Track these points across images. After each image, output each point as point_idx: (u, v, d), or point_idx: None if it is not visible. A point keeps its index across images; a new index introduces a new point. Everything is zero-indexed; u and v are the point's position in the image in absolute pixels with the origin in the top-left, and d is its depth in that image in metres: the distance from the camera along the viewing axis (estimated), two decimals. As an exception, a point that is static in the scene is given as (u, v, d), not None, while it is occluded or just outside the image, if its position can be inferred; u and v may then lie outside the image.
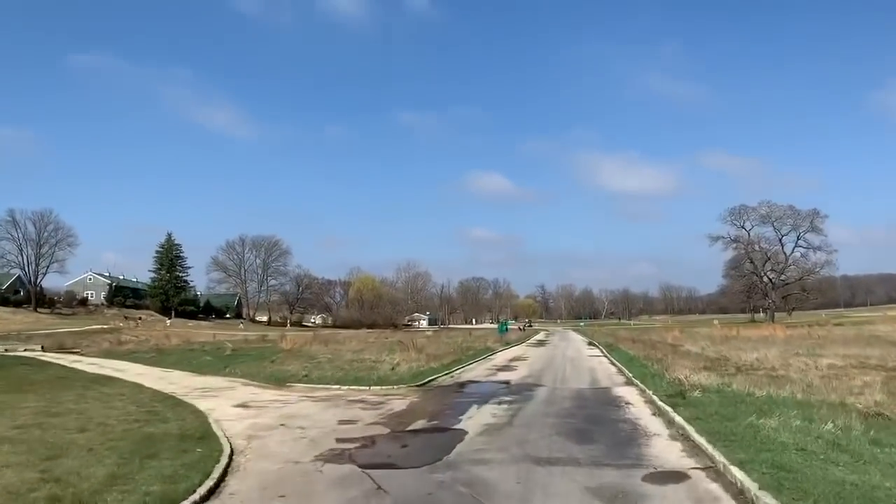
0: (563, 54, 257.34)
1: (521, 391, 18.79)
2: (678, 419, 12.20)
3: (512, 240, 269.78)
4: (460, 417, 13.99)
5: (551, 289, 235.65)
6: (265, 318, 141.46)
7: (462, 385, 21.02)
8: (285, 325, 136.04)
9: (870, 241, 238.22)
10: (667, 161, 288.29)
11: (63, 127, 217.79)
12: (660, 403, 14.60)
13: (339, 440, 11.56)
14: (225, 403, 16.89)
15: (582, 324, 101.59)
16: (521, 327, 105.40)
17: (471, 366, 28.64)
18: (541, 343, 53.38)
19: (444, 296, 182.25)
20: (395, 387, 20.00)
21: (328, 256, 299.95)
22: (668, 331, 70.73)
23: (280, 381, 22.20)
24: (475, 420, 13.57)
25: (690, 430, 11.05)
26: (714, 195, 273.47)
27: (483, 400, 16.86)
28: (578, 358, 34.25)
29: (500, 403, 16.13)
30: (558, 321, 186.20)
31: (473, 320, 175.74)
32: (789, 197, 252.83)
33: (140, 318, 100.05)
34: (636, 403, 15.84)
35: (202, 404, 16.65)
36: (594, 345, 48.18)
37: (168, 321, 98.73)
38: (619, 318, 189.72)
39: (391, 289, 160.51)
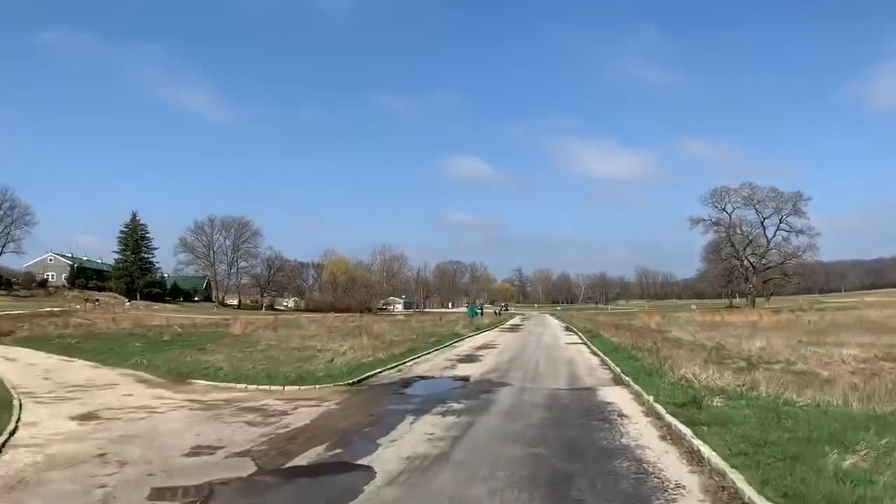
0: (541, 38, 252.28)
1: (478, 393, 14.17)
2: (710, 455, 7.59)
3: (491, 224, 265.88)
4: (379, 441, 9.31)
5: (529, 273, 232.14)
6: (236, 302, 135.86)
7: (407, 383, 16.35)
8: (258, 309, 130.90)
9: (841, 228, 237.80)
10: (644, 147, 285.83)
11: (32, 108, 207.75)
12: (669, 419, 10.03)
13: (154, 491, 6.84)
14: (67, 412, 12.09)
15: (559, 308, 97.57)
16: (497, 311, 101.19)
17: (428, 356, 23.99)
18: (514, 328, 48.97)
19: (420, 279, 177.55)
20: (318, 386, 15.28)
21: (306, 240, 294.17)
22: (648, 316, 66.83)
23: (183, 377, 17.42)
24: (398, 448, 8.90)
25: (744, 486, 6.40)
26: (690, 182, 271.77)
27: (424, 408, 12.20)
28: (554, 346, 29.79)
29: (445, 414, 11.50)
30: (535, 305, 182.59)
31: (450, 304, 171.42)
32: (764, 184, 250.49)
33: (97, 301, 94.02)
34: (634, 416, 11.23)
35: (33, 413, 11.87)
36: (572, 331, 43.92)
37: (127, 303, 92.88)
38: (597, 303, 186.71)
39: (366, 272, 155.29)
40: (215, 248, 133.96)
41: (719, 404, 10.80)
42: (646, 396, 12.56)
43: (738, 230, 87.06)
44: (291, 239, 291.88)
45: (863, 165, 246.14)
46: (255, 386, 15.35)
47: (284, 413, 11.78)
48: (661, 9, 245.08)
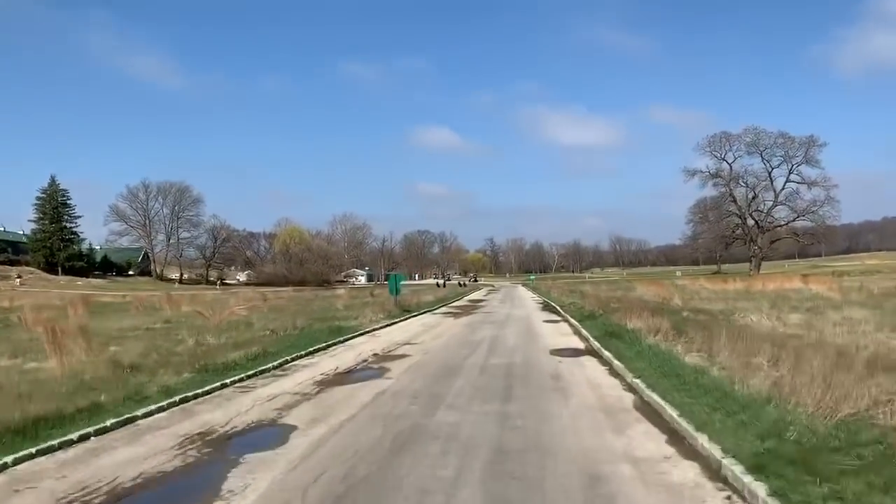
0: (507, 4, 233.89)
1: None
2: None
3: (463, 195, 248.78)
4: None
5: (501, 243, 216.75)
6: (178, 276, 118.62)
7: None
8: (200, 283, 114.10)
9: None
10: (613, 115, 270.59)
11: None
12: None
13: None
14: None
15: (532, 278, 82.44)
16: (461, 283, 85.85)
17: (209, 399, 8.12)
18: (470, 308, 33.21)
19: (385, 250, 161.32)
20: None
21: (270, 216, 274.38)
22: (641, 284, 52.08)
23: None
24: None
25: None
26: (661, 149, 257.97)
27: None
28: (532, 357, 13.90)
29: None
30: (507, 275, 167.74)
31: (416, 276, 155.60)
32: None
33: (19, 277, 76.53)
34: None
35: None
36: (552, 309, 28.49)
37: (17, 279, 75.19)
38: (573, 272, 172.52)
39: (325, 242, 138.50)
40: (152, 217, 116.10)
41: None
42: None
43: (741, 182, 72.25)
44: (252, 214, 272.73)
45: (836, 132, 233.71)
46: None
47: None
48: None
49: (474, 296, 51.50)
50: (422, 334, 18.30)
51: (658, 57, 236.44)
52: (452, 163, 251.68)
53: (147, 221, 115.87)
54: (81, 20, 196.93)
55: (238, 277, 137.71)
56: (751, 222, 73.16)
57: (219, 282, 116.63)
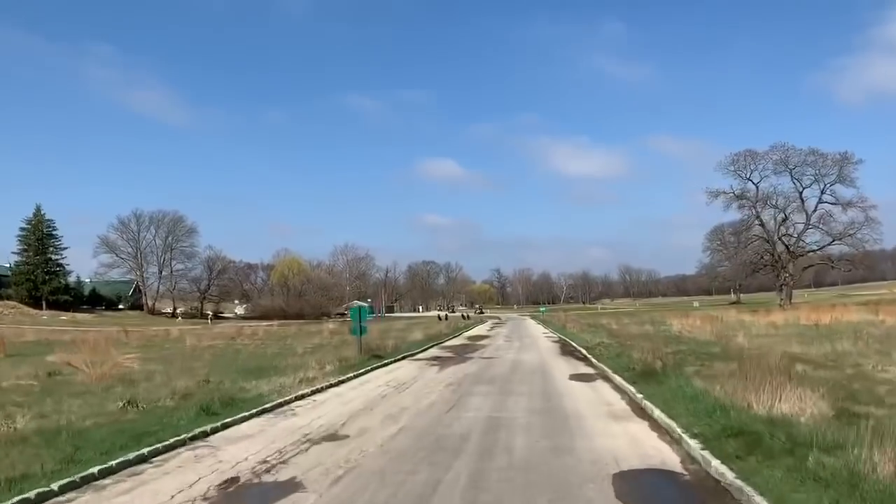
0: (507, 35, 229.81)
1: None
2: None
3: (467, 226, 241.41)
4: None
5: (508, 273, 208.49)
6: (170, 309, 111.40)
7: None
8: (195, 317, 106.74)
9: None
10: (616, 145, 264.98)
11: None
12: None
13: None
14: None
15: (542, 310, 74.32)
16: (465, 315, 77.91)
17: None
18: (467, 350, 25.22)
19: (388, 281, 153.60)
20: None
21: (275, 248, 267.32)
22: (670, 316, 44.20)
23: None
24: None
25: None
26: (665, 179, 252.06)
27: None
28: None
29: None
30: (515, 307, 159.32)
31: (420, 307, 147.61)
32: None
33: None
34: None
35: None
36: (575, 353, 20.62)
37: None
38: (584, 303, 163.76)
39: (325, 273, 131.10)
40: (143, 248, 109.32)
41: None
42: None
43: (769, 203, 64.33)
44: (255, 248, 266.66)
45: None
46: None
47: None
48: (625, 2, 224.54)
49: (476, 331, 43.56)
50: (367, 412, 10.39)
51: (659, 87, 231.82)
52: (457, 194, 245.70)
53: (138, 253, 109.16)
54: (83, 54, 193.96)
55: (236, 311, 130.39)
56: (780, 247, 65.00)
57: (211, 316, 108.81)
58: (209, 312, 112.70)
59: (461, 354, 22.31)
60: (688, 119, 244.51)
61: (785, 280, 64.82)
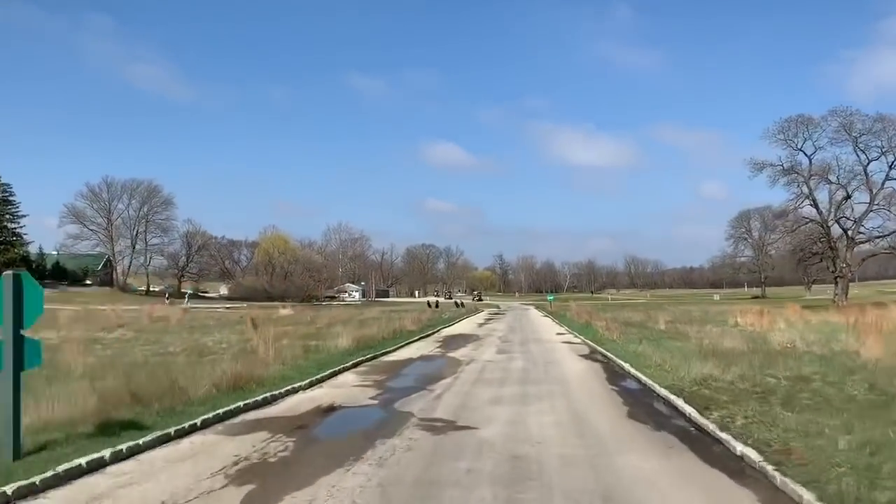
0: (514, 17, 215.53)
1: None
2: None
3: (471, 213, 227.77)
4: None
5: (511, 260, 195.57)
6: (145, 287, 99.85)
7: None
8: (171, 296, 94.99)
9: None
10: (622, 134, 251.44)
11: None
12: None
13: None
14: None
15: (550, 298, 61.88)
16: (459, 302, 65.66)
17: None
18: (416, 380, 12.86)
19: (384, 264, 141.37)
20: None
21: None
22: (724, 313, 31.98)
23: None
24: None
25: None
26: (671, 169, 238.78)
27: None
28: None
29: None
30: (517, 294, 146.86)
31: (417, 292, 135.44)
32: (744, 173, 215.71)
33: None
34: None
35: None
36: (646, 401, 8.28)
37: None
38: (592, 292, 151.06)
39: (316, 253, 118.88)
40: (114, 219, 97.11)
41: None
42: None
43: (825, 179, 51.34)
44: (253, 229, 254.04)
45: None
46: None
47: None
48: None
49: (464, 326, 31.16)
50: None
51: (667, 75, 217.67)
52: (461, 180, 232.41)
53: (109, 224, 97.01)
54: (82, 26, 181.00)
55: (221, 291, 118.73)
56: (836, 231, 52.12)
57: (188, 295, 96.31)
58: (186, 291, 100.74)
59: (392, 394, 10.04)
60: (695, 110, 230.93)
61: (841, 271, 52.14)
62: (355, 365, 13.02)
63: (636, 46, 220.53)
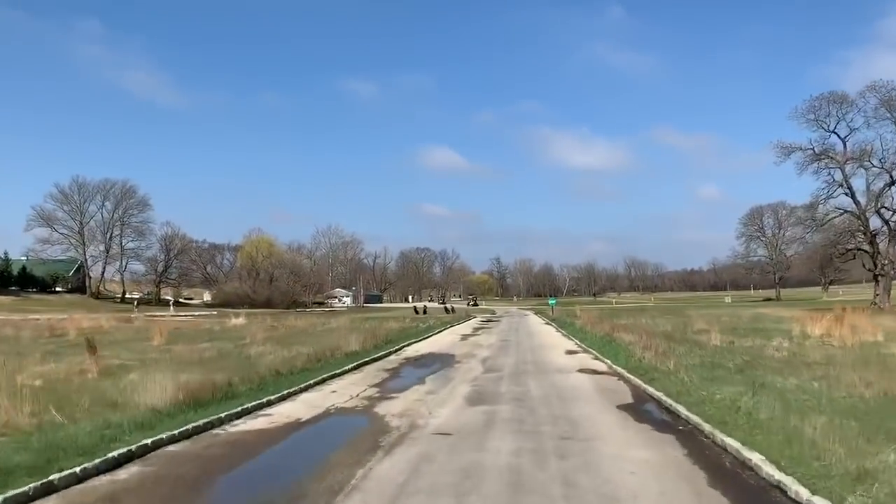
0: (504, 18, 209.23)
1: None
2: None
3: (468, 217, 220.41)
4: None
5: (509, 264, 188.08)
6: (120, 294, 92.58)
7: None
8: (149, 303, 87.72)
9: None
10: (618, 137, 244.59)
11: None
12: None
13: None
14: None
15: (552, 302, 54.16)
16: (448, 308, 58.42)
17: None
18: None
19: (377, 268, 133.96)
20: None
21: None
22: (743, 310, 24.61)
23: None
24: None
25: None
26: (668, 172, 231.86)
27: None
28: None
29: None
30: (515, 299, 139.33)
31: (410, 297, 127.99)
32: (747, 176, 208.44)
33: None
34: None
35: None
36: None
37: None
38: (594, 295, 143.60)
39: (302, 256, 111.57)
40: (86, 222, 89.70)
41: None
42: None
43: (870, 161, 44.14)
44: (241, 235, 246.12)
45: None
46: None
47: None
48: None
49: (442, 339, 23.73)
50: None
51: (661, 78, 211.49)
52: (456, 184, 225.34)
53: (81, 227, 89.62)
54: (68, 30, 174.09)
55: (205, 297, 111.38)
56: (876, 223, 44.80)
57: (172, 302, 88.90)
58: (169, 298, 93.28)
59: None
60: (690, 112, 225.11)
61: (883, 269, 44.89)
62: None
63: (629, 48, 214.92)
